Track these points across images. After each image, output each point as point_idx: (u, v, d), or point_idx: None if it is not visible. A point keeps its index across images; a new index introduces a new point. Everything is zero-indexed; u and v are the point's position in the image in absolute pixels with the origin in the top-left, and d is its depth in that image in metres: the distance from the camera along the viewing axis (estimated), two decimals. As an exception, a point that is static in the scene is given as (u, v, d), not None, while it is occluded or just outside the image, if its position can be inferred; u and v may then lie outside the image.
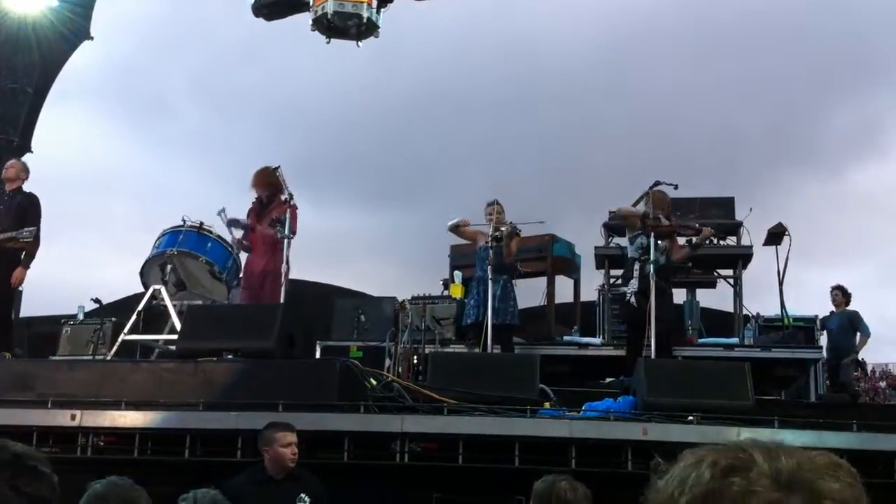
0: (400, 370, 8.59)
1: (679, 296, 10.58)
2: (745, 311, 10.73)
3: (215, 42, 23.37)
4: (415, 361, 8.76)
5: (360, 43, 9.04)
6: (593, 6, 22.94)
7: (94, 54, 16.04)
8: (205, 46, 24.51)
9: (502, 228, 8.68)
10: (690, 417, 6.27)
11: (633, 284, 8.26)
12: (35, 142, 14.48)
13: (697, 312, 11.27)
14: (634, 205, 10.55)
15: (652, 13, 22.28)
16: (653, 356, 7.80)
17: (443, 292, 10.75)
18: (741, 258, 10.62)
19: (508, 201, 9.21)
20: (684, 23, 22.31)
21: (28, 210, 8.42)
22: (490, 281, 8.54)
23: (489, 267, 8.49)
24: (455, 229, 9.22)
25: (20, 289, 9.19)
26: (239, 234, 8.69)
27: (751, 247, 10.51)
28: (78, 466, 6.15)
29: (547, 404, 6.73)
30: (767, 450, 1.11)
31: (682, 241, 8.86)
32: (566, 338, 10.35)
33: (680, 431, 6.10)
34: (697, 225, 8.85)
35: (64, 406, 6.49)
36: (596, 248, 10.95)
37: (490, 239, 8.62)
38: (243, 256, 8.82)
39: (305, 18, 8.89)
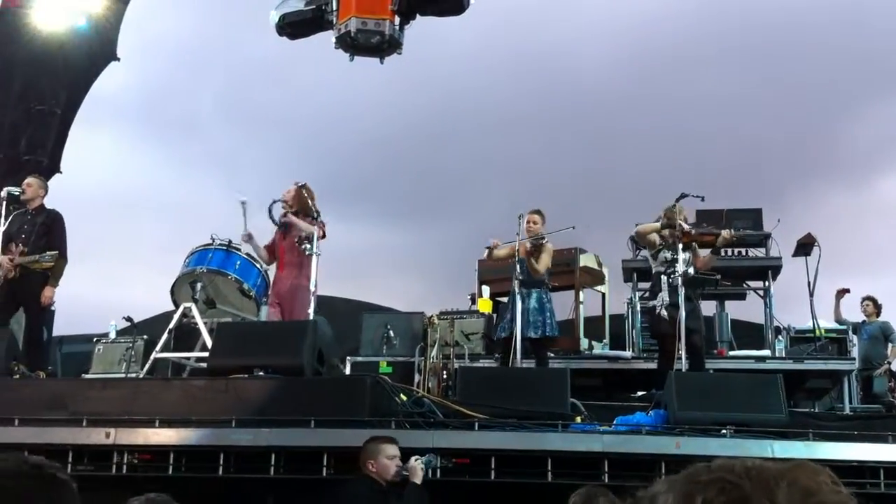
0: (430, 385, 8.58)
1: (709, 308, 10.52)
2: (775, 323, 10.65)
3: (241, 62, 23.53)
4: (444, 376, 8.75)
5: (383, 60, 9.11)
6: (617, 19, 22.92)
7: (123, 76, 16.21)
8: (231, 66, 24.69)
9: (527, 244, 8.57)
10: (724, 431, 6.22)
11: (663, 297, 8.18)
12: (64, 163, 14.65)
13: (728, 325, 11.22)
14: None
15: (675, 26, 22.23)
16: (685, 368, 7.74)
17: (471, 307, 10.76)
18: (770, 269, 10.54)
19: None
20: (708, 35, 22.23)
21: (52, 228, 8.46)
22: (522, 294, 8.48)
23: (517, 281, 8.43)
24: (489, 258, 8.93)
25: (52, 308, 9.27)
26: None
27: (780, 258, 10.44)
28: (113, 484, 6.20)
29: (578, 418, 6.70)
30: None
31: (703, 251, 8.72)
32: (596, 351, 10.30)
33: (714, 445, 6.05)
34: (714, 229, 8.69)
35: (98, 424, 6.53)
36: (623, 260, 10.90)
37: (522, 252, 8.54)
38: (271, 272, 8.84)
39: (329, 36, 8.96)
